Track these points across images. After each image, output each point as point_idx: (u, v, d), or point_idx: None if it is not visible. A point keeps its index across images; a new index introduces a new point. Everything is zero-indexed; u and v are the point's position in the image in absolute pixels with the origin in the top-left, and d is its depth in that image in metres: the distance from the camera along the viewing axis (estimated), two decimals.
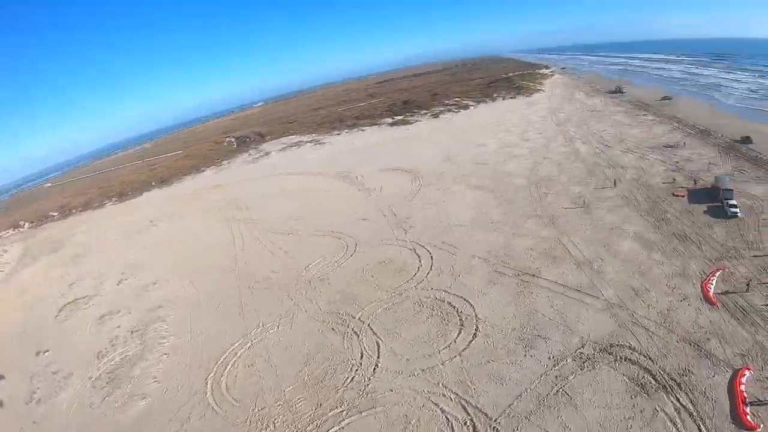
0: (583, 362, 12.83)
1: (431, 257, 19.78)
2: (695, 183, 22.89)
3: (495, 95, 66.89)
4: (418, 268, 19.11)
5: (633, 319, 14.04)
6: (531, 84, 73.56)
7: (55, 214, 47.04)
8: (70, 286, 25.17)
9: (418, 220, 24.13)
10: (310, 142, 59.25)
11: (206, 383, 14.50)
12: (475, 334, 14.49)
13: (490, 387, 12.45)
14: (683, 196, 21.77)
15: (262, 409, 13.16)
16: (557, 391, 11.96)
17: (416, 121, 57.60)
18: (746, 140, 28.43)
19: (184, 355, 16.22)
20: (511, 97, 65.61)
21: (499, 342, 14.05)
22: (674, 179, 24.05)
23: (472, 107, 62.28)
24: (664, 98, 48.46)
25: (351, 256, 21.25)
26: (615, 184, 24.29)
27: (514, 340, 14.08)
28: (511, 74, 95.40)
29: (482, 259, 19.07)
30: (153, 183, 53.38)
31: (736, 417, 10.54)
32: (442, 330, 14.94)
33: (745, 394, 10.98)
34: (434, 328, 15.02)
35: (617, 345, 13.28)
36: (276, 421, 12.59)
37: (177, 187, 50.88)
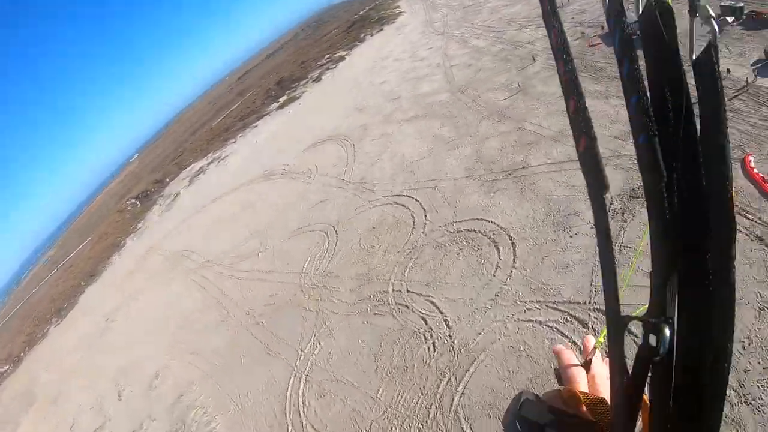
0: (620, 214, 13.29)
1: (417, 200, 19.07)
2: (602, 29, 24.15)
3: (362, 36, 65.86)
4: (412, 215, 18.33)
5: (634, 161, 14.81)
6: (389, 11, 73.41)
7: (6, 367, 39.23)
8: (72, 429, 21.10)
9: (378, 175, 23.01)
10: (212, 162, 54.15)
11: None
12: (513, 243, 14.34)
13: (561, 278, 12.42)
14: (599, 44, 22.94)
15: (369, 429, 11.92)
16: (620, 247, 12.29)
17: (302, 92, 54.69)
18: None
19: (246, 427, 14.13)
20: (378, 31, 64.93)
21: (539, 238, 14.05)
22: (583, 33, 25.31)
23: (347, 56, 60.17)
24: None
25: (337, 239, 19.80)
26: (534, 59, 24.93)
27: (551, 229, 14.17)
28: (362, 12, 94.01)
29: (466, 177, 18.78)
30: (82, 282, 46.74)
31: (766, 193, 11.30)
32: (480, 257, 14.57)
33: (761, 174, 11.77)
34: (472, 259, 14.60)
35: (638, 187, 13.94)
36: (394, 428, 11.50)
37: (109, 272, 44.71)
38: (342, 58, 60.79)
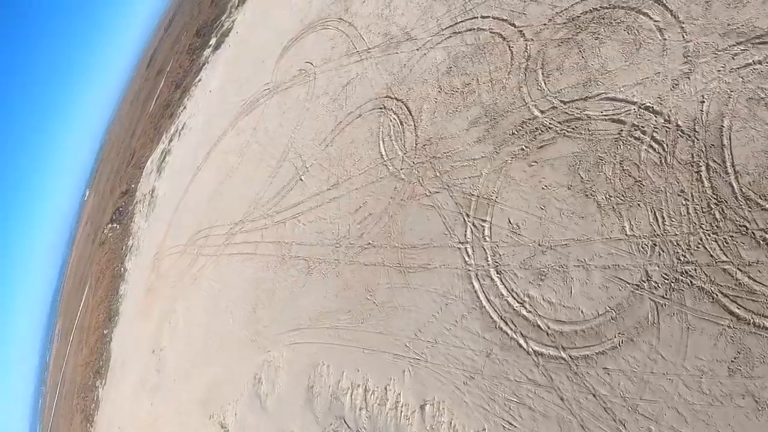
0: None
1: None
2: None
3: None
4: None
5: None
6: None
7: None
8: None
9: (404, 19, 18.00)
10: (171, 140, 47.09)
11: None
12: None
13: None
14: None
15: None
16: None
17: (233, 21, 46.20)
18: None
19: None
20: None
21: None
22: None
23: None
24: None
25: (405, 107, 15.59)
26: None
27: None
28: None
29: None
30: (105, 332, 41.77)
31: None
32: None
33: None
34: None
35: None
36: None
37: (125, 306, 39.79)
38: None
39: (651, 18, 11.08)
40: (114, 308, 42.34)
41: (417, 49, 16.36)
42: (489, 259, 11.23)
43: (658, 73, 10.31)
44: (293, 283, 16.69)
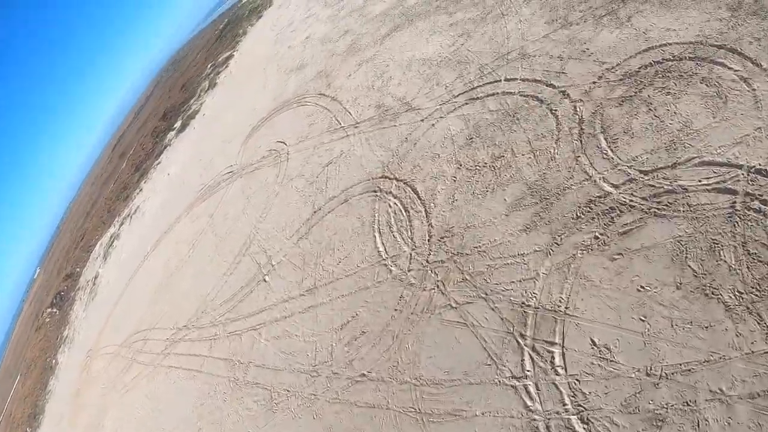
0: None
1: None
2: None
3: (241, 32, 61.11)
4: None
5: None
6: (258, 4, 72.22)
7: None
8: None
9: (391, 96, 16.97)
10: (123, 223, 46.53)
11: None
12: None
13: None
14: None
15: None
16: None
17: (200, 104, 47.83)
18: None
19: None
20: (258, 18, 61.28)
21: None
22: None
23: (235, 52, 54.69)
24: None
25: (405, 185, 13.54)
26: None
27: None
28: (225, 21, 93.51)
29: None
30: (28, 430, 37.43)
31: None
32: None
33: None
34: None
35: None
36: None
37: (52, 404, 34.50)
38: (230, 57, 56.35)
39: (729, 68, 9.86)
40: (40, 405, 38.68)
41: (422, 120, 14.78)
42: (567, 401, 8.06)
43: (759, 128, 8.61)
44: (250, 421, 12.70)
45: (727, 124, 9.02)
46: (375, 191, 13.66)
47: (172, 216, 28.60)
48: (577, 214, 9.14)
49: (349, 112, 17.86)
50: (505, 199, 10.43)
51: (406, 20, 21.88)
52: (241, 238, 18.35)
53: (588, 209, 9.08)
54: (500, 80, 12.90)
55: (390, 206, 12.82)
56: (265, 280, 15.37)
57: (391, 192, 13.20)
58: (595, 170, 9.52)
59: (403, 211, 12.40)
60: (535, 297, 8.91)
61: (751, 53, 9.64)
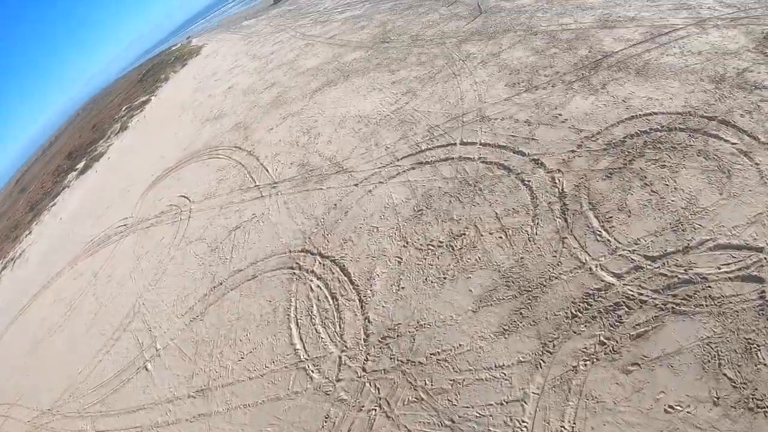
0: None
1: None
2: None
3: (163, 77, 65.68)
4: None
5: None
6: (186, 50, 77.49)
7: None
8: None
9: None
10: (5, 267, 40.91)
11: None
12: None
13: None
14: None
15: None
16: None
17: (107, 147, 47.99)
18: None
19: None
20: (183, 66, 65.49)
21: None
22: None
23: (153, 97, 56.39)
24: None
25: (321, 263, 11.16)
26: (480, 9, 21.47)
27: None
28: (152, 64, 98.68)
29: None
30: None
31: None
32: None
33: None
34: None
35: None
36: None
37: None
38: (147, 101, 57.52)
39: (725, 140, 9.09)
40: None
41: (355, 185, 12.78)
42: None
43: None
44: None
45: (736, 201, 7.89)
46: (292, 268, 11.09)
47: (55, 268, 25.21)
48: (572, 312, 7.17)
49: (267, 170, 15.63)
50: (470, 290, 8.31)
51: (341, 75, 20.82)
52: (125, 307, 14.94)
53: (586, 305, 7.17)
54: (455, 143, 11.39)
55: (312, 290, 10.25)
56: (146, 368, 11.78)
57: (313, 271, 10.70)
58: (589, 255, 7.77)
59: (329, 298, 9.86)
60: (525, 427, 6.58)
61: (746, 126, 8.92)
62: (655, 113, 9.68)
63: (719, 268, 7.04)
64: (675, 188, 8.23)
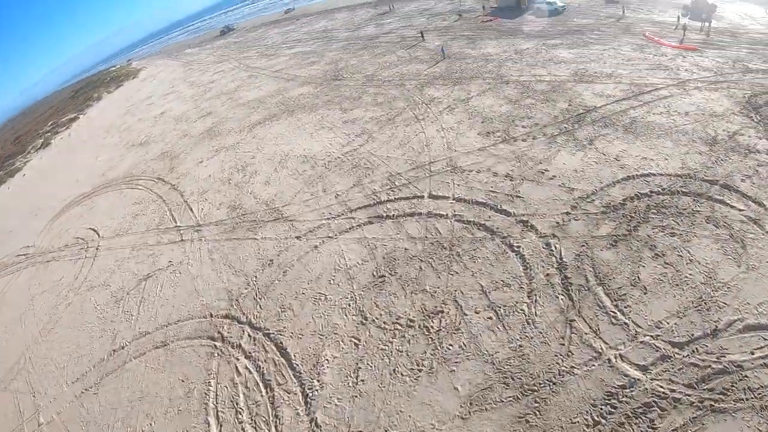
0: None
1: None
2: (484, 8, 27.46)
3: (95, 96, 69.78)
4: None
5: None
6: (124, 71, 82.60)
7: None
8: None
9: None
10: None
11: None
12: None
13: None
14: (494, 19, 24.69)
15: None
16: None
17: (25, 162, 46.43)
18: None
19: None
20: (118, 87, 68.33)
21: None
22: (460, 15, 27.52)
23: (82, 115, 57.84)
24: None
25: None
26: (443, 54, 21.57)
27: None
28: (93, 79, 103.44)
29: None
30: None
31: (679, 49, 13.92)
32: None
33: (662, 39, 15.79)
34: None
35: None
36: None
37: None
38: (75, 119, 59.22)
39: (732, 207, 8.50)
40: None
41: (298, 237, 11.05)
42: None
43: None
44: None
45: (756, 274, 7.04)
46: (214, 339, 8.96)
47: None
48: (593, 418, 5.78)
49: (191, 209, 13.57)
50: (456, 388, 6.72)
51: (285, 110, 19.43)
52: (9, 359, 12.43)
53: (610, 408, 5.81)
54: (422, 196, 10.06)
55: (238, 372, 8.17)
56: None
57: (240, 346, 8.63)
58: (606, 343, 6.50)
59: (261, 386, 7.84)
60: None
61: (749, 192, 8.32)
62: (653, 174, 8.92)
63: (752, 354, 6.00)
64: (690, 260, 7.27)
